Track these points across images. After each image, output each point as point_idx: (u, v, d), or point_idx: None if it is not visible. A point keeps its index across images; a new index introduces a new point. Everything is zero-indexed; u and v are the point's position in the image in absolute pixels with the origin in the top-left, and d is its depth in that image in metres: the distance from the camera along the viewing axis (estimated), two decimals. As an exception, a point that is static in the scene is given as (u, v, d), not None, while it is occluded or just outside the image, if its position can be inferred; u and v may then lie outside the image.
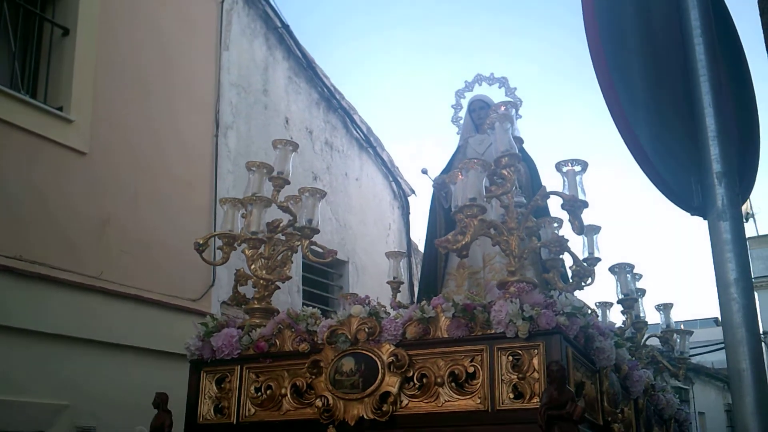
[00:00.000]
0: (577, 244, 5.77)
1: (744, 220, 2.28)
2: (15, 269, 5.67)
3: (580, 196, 4.60)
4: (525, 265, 5.65)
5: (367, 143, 11.53)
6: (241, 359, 4.81)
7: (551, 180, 5.18)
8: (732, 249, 2.03)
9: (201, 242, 5.20)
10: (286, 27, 9.50)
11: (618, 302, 6.10)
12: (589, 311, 4.66)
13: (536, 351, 4.11)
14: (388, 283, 6.65)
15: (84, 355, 6.14)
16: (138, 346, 6.55)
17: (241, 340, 4.82)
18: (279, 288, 5.44)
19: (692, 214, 2.16)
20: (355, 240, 10.56)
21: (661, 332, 7.25)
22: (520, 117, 7.08)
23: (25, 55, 6.38)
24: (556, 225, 5.21)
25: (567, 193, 4.57)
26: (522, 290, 4.24)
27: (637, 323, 6.39)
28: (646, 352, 6.98)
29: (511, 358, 4.15)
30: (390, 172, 12.05)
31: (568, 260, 5.47)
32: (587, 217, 4.82)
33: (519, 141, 4.88)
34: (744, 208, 2.44)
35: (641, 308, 6.46)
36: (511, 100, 6.24)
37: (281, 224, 5.16)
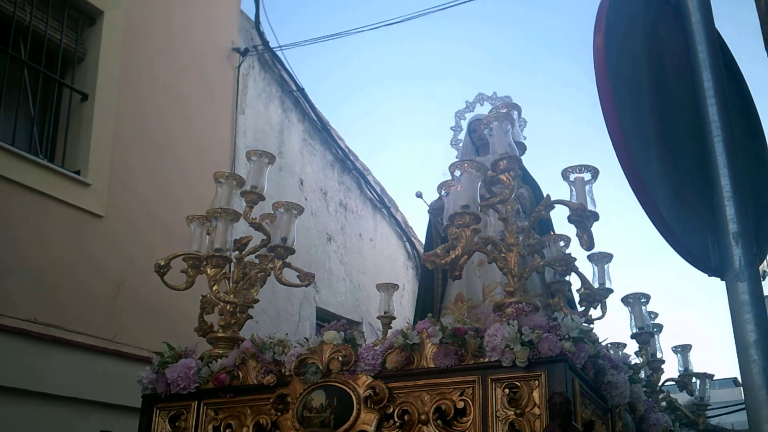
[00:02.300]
0: (586, 271, 5.17)
1: (762, 279, 2.13)
2: (30, 332, 5.60)
3: (590, 207, 4.01)
4: (532, 295, 5.05)
5: (381, 204, 11.49)
6: (199, 394, 4.19)
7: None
8: (750, 310, 1.98)
9: (162, 263, 4.62)
10: (301, 90, 9.57)
11: (632, 337, 5.45)
12: (601, 341, 4.03)
13: (537, 382, 3.48)
14: (378, 318, 6.04)
15: (99, 418, 5.83)
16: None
17: (199, 371, 4.20)
18: (251, 318, 4.84)
19: (710, 275, 2.13)
20: (369, 300, 10.30)
21: (679, 376, 6.57)
22: (525, 138, 6.55)
23: (44, 120, 6.44)
24: (562, 244, 4.59)
25: (575, 201, 3.98)
26: (521, 311, 3.62)
27: (653, 363, 5.73)
28: (663, 397, 6.32)
29: (507, 390, 3.53)
30: (404, 232, 11.94)
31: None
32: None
33: (522, 147, 4.31)
34: (761, 266, 2.44)
35: (658, 346, 5.80)
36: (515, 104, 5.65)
37: (248, 241, 4.57)
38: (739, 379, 1.96)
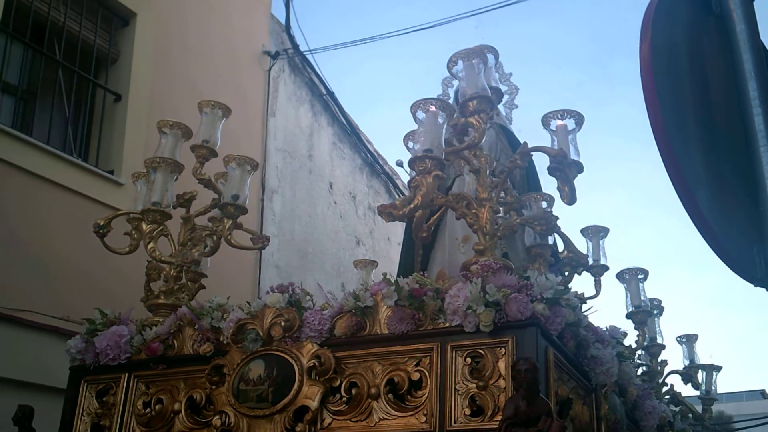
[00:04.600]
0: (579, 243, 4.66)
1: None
2: (60, 329, 5.36)
3: (573, 156, 3.51)
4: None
5: (410, 208, 11.55)
6: (130, 365, 3.72)
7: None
8: (795, 320, 1.76)
9: (101, 223, 4.17)
10: (331, 94, 9.57)
11: (627, 316, 4.93)
12: (585, 311, 3.53)
13: (503, 350, 2.99)
14: (355, 296, 5.55)
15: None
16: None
17: (131, 340, 3.72)
18: (204, 287, 4.37)
19: (756, 285, 2.08)
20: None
21: (685, 368, 6.05)
22: (516, 107, 6.05)
23: (78, 120, 6.43)
24: (545, 204, 4.07)
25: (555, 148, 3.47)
26: (487, 269, 3.12)
27: (651, 347, 5.20)
28: (667, 391, 5.79)
29: (469, 360, 3.04)
30: (431, 236, 11.96)
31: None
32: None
33: (497, 93, 3.81)
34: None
35: (657, 329, 5.27)
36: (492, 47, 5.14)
37: (192, 196, 4.10)
38: (768, 391, 1.64)
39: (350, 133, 10.08)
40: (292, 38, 8.87)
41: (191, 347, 3.61)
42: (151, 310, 4.02)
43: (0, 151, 5.38)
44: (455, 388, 3.00)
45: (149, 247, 3.86)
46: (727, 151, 2.18)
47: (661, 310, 5.39)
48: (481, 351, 3.01)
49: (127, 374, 3.71)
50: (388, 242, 10.72)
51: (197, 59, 7.37)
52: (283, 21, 8.88)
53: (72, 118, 6.28)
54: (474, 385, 2.97)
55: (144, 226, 3.86)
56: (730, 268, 2.08)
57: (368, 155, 10.47)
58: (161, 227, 3.90)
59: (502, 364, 2.96)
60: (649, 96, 1.95)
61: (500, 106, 6.01)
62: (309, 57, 9.12)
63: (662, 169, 1.97)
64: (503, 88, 6.04)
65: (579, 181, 3.52)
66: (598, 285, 4.76)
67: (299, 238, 8.70)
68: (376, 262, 5.97)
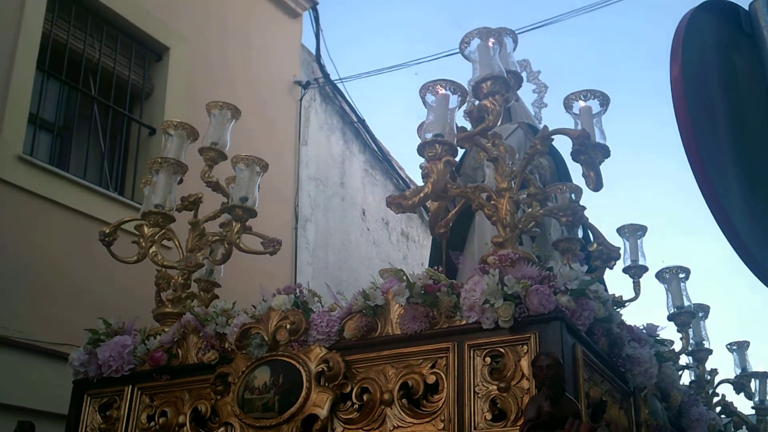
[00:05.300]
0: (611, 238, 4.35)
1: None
2: None
3: (598, 139, 3.24)
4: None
5: (443, 233, 11.63)
6: (134, 377, 3.51)
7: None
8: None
9: (107, 231, 4.00)
10: (362, 121, 9.61)
11: (669, 318, 4.60)
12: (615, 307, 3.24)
13: (525, 348, 2.72)
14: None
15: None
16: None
17: (135, 350, 3.52)
18: (217, 297, 4.17)
19: None
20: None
21: (736, 377, 5.68)
22: (546, 106, 5.77)
23: (114, 154, 6.53)
24: (573, 197, 3.78)
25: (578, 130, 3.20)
26: (505, 260, 2.86)
27: (697, 352, 4.86)
28: (718, 401, 5.43)
29: (488, 359, 2.78)
30: (465, 262, 11.89)
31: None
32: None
33: (516, 77, 3.56)
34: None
35: (703, 332, 4.92)
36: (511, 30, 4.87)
37: (197, 198, 3.90)
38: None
39: (382, 160, 10.09)
40: (322, 67, 8.88)
41: (196, 356, 3.39)
42: (159, 320, 3.82)
43: (38, 187, 5.43)
44: (474, 391, 2.74)
45: (151, 251, 3.67)
46: (761, 168, 2.12)
47: (706, 311, 5.05)
48: (502, 349, 2.75)
49: (130, 386, 3.50)
50: (422, 268, 10.57)
51: (229, 91, 7.27)
52: (313, 51, 8.93)
53: (108, 152, 6.35)
54: (495, 387, 2.71)
55: (146, 229, 3.67)
56: (764, 284, 1.98)
57: (400, 181, 10.43)
58: (164, 231, 3.70)
59: (524, 363, 2.69)
60: (682, 119, 1.90)
61: (529, 105, 5.78)
62: (339, 85, 9.15)
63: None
64: (532, 86, 5.81)
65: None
66: (636, 287, 4.47)
67: (333, 266, 8.62)
68: (402, 270, 5.72)
